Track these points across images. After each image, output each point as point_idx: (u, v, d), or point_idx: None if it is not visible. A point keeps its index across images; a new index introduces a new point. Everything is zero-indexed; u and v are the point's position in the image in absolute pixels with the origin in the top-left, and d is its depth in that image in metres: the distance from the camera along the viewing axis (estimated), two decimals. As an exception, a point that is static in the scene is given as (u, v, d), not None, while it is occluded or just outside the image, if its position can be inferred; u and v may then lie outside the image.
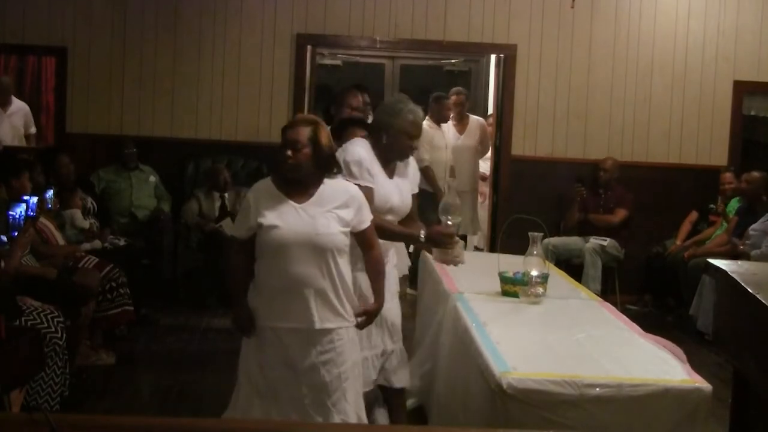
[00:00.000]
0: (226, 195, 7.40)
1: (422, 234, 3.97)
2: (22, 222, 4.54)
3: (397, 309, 4.12)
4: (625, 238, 7.69)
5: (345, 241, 3.45)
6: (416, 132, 3.99)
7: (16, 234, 4.53)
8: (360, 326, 3.57)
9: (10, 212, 4.51)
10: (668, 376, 3.22)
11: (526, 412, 3.05)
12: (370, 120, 4.90)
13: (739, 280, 3.52)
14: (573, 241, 7.64)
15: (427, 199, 6.50)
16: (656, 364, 3.37)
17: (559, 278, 4.99)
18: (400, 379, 4.10)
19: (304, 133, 3.41)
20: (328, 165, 3.47)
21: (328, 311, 3.41)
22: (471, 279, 4.47)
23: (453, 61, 10.23)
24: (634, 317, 4.52)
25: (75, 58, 7.79)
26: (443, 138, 7.95)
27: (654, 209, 7.94)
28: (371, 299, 3.66)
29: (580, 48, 7.99)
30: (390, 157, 4.00)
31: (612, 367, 3.29)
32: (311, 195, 3.44)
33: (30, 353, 4.04)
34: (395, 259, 4.20)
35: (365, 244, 3.58)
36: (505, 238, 5.36)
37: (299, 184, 3.45)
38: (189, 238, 7.36)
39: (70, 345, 4.73)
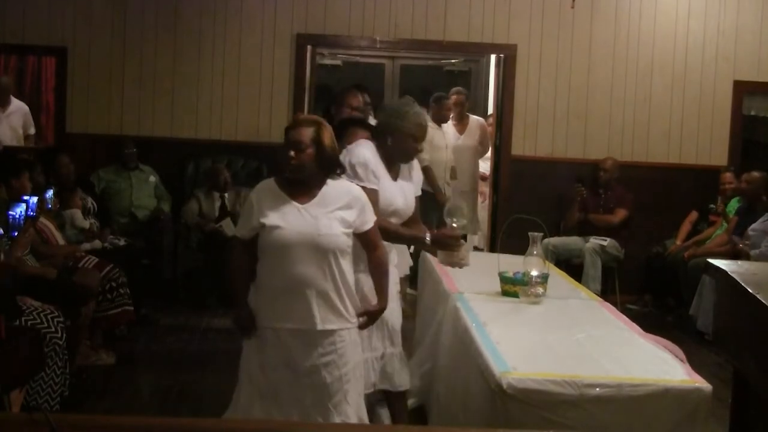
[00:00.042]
0: (226, 195, 7.40)
1: (428, 237, 3.97)
2: (22, 222, 4.54)
3: (398, 311, 4.12)
4: (625, 238, 7.69)
5: (347, 242, 3.44)
6: (422, 134, 4.00)
7: (16, 234, 4.53)
8: (361, 326, 3.56)
9: (10, 212, 4.51)
10: (668, 376, 3.22)
11: (526, 412, 3.05)
12: (370, 120, 4.90)
13: (739, 280, 3.52)
14: (573, 241, 7.64)
15: (427, 199, 6.50)
16: (656, 364, 3.37)
17: (559, 278, 4.99)
18: (401, 382, 4.10)
19: (307, 133, 3.40)
20: (331, 165, 3.46)
21: (330, 312, 3.40)
22: (471, 279, 4.46)
23: (453, 61, 10.23)
24: (634, 317, 4.52)
25: (75, 58, 7.79)
26: (443, 138, 7.95)
27: (654, 209, 7.94)
28: (373, 300, 3.65)
29: (580, 48, 7.99)
30: (395, 159, 4.01)
31: (612, 367, 3.29)
32: (314, 196, 3.43)
33: (30, 353, 4.05)
34: (396, 259, 4.20)
35: (369, 245, 3.57)
36: (505, 238, 5.36)
37: (302, 185, 3.44)
38: (189, 238, 7.36)
39: (70, 345, 4.73)
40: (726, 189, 7.63)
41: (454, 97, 8.21)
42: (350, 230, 3.45)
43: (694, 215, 7.83)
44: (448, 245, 3.99)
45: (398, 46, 8.31)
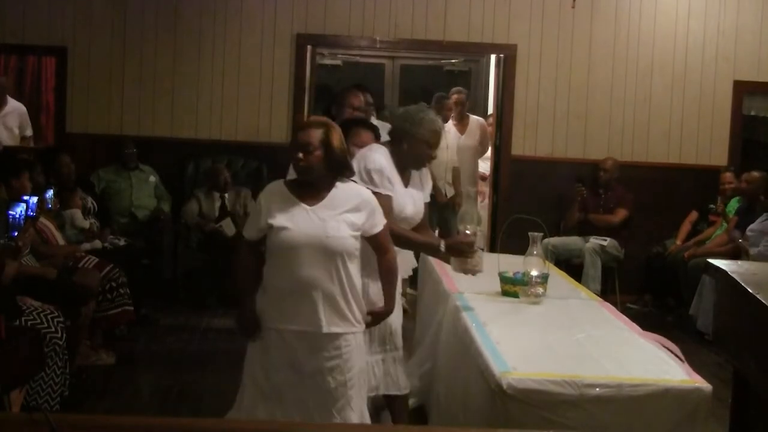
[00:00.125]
0: (226, 195, 7.40)
1: (442, 245, 3.97)
2: (22, 222, 4.54)
3: (399, 315, 4.11)
4: (625, 238, 7.69)
5: (355, 245, 3.42)
6: (436, 141, 4.01)
7: (16, 234, 4.53)
8: (366, 325, 3.55)
9: (10, 212, 4.51)
10: (668, 376, 3.22)
11: (526, 412, 3.05)
12: (372, 120, 4.90)
13: (739, 280, 3.52)
14: (573, 241, 7.64)
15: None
16: (656, 364, 3.37)
17: (559, 278, 5.00)
18: (402, 385, 4.10)
19: (316, 135, 3.38)
20: (340, 167, 3.44)
21: (336, 316, 3.38)
22: (471, 279, 4.45)
23: (453, 61, 10.22)
24: (634, 317, 4.52)
25: (75, 58, 7.79)
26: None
27: (654, 209, 7.94)
28: (380, 303, 3.65)
29: (580, 48, 7.99)
30: (408, 165, 4.02)
31: (612, 367, 3.29)
32: (323, 198, 3.41)
33: (30, 353, 4.05)
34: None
35: (379, 249, 3.56)
36: (505, 238, 5.37)
37: (311, 187, 3.42)
38: (189, 238, 7.36)
39: (70, 345, 4.73)
40: (726, 189, 7.63)
41: (454, 97, 8.21)
42: (358, 233, 3.43)
43: (694, 215, 7.83)
44: (462, 252, 3.98)
45: (398, 46, 8.32)
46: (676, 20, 8.03)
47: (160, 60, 7.82)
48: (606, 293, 7.09)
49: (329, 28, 7.87)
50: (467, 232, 4.04)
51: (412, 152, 3.96)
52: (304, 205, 3.40)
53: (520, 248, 4.38)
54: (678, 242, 7.68)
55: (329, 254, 3.35)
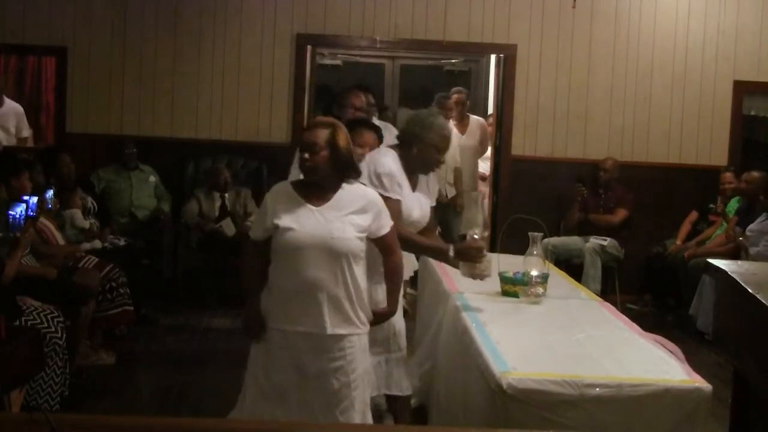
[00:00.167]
0: (226, 195, 7.40)
1: (452, 250, 3.97)
2: (22, 222, 4.54)
3: (401, 316, 4.12)
4: (625, 238, 7.70)
5: (361, 247, 3.41)
6: (445, 146, 4.02)
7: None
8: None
9: (10, 212, 4.51)
10: (668, 376, 3.22)
11: (526, 412, 3.05)
12: (374, 120, 4.89)
13: (739, 280, 3.52)
14: (573, 241, 7.64)
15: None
16: (656, 364, 3.37)
17: (559, 278, 4.99)
18: (405, 386, 4.10)
19: (322, 135, 3.38)
20: (346, 168, 3.43)
21: (341, 317, 3.37)
22: (471, 279, 4.46)
23: (453, 61, 10.22)
24: (634, 317, 4.52)
25: (75, 58, 7.79)
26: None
27: (654, 209, 7.94)
28: (383, 305, 3.65)
29: (580, 48, 8.00)
30: (416, 169, 4.03)
31: (612, 367, 3.29)
32: (329, 199, 3.41)
33: (30, 353, 4.04)
34: None
35: (386, 250, 3.55)
36: (505, 238, 5.36)
37: (317, 188, 3.42)
38: (189, 238, 7.36)
39: (70, 345, 4.74)
40: (726, 189, 7.63)
41: (455, 97, 8.20)
42: (364, 234, 3.42)
43: (694, 215, 7.84)
44: (471, 257, 3.98)
45: (398, 46, 8.32)
46: (676, 20, 8.03)
47: (160, 60, 7.82)
48: (606, 293, 7.09)
49: (329, 28, 7.87)
50: (475, 236, 4.04)
51: (421, 156, 3.98)
52: (309, 206, 3.39)
53: (520, 248, 4.38)
54: (678, 242, 7.68)
55: (334, 255, 3.34)
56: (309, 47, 7.93)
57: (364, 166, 3.80)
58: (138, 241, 6.93)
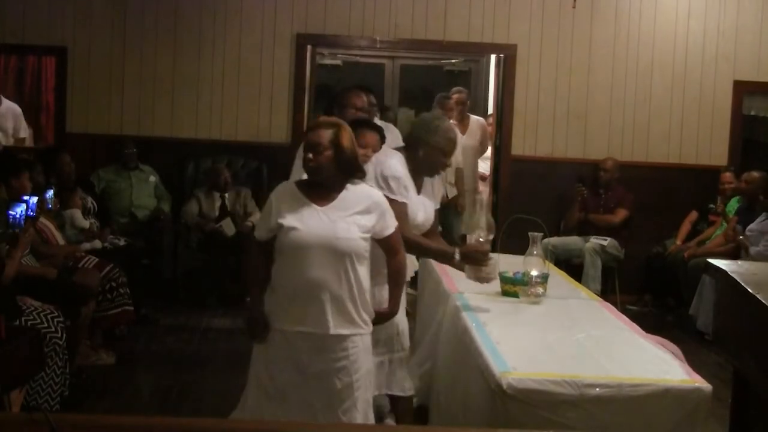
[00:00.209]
0: (226, 195, 7.40)
1: (457, 254, 3.97)
2: (22, 222, 4.54)
3: (405, 316, 4.12)
4: (625, 238, 7.70)
5: (365, 247, 3.41)
6: (451, 149, 4.03)
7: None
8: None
9: (10, 212, 4.51)
10: (668, 376, 3.22)
11: (526, 412, 3.05)
12: (376, 120, 4.88)
13: (739, 280, 3.52)
14: (573, 241, 7.64)
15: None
16: (656, 364, 3.37)
17: (559, 278, 4.99)
18: (407, 387, 4.10)
19: (326, 135, 3.37)
20: (350, 168, 3.42)
21: (344, 317, 3.36)
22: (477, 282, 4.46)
23: (453, 61, 10.22)
24: (634, 317, 4.52)
25: (75, 58, 7.79)
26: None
27: (654, 209, 7.94)
28: (385, 305, 3.65)
29: (580, 48, 7.99)
30: (422, 172, 4.04)
31: (612, 367, 3.29)
32: (333, 199, 3.41)
33: (30, 353, 4.04)
34: None
35: (390, 251, 3.55)
36: (505, 238, 5.36)
37: (322, 188, 3.42)
38: (189, 238, 7.36)
39: (70, 345, 4.74)
40: (726, 189, 7.63)
41: (455, 96, 8.20)
42: (368, 235, 3.42)
43: (694, 215, 7.84)
44: (477, 260, 3.98)
45: (398, 46, 8.32)
46: (676, 20, 8.03)
47: (160, 60, 7.82)
48: (606, 293, 7.09)
49: (329, 28, 7.87)
50: (481, 239, 4.04)
51: (427, 160, 3.99)
52: (314, 206, 3.39)
53: (520, 248, 4.38)
54: (678, 242, 7.68)
55: (338, 255, 3.34)
56: (309, 47, 7.93)
57: (370, 168, 3.80)
58: (138, 241, 6.93)
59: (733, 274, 3.61)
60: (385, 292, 3.68)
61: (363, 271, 3.41)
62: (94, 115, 7.82)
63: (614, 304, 5.18)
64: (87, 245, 6.12)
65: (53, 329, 4.51)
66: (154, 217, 7.41)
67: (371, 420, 3.53)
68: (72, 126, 7.84)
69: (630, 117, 8.05)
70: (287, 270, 3.38)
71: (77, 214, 6.30)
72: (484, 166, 8.62)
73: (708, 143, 8.09)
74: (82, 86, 7.80)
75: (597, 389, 3.10)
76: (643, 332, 3.85)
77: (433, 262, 4.77)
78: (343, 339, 3.37)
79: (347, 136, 3.41)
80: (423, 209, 4.03)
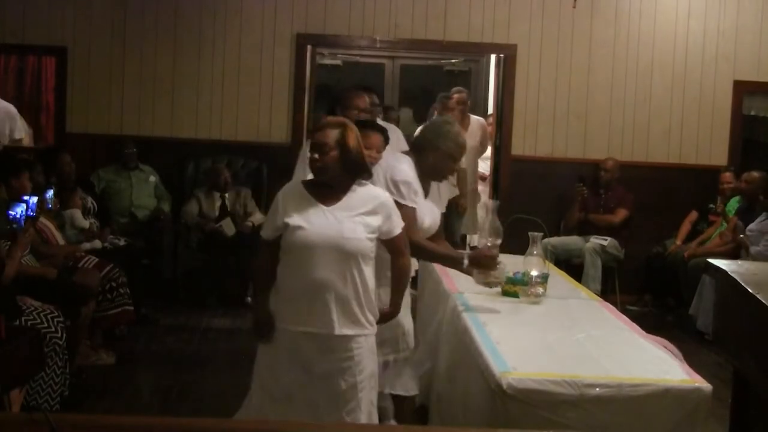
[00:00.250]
0: (226, 195, 7.40)
1: (466, 259, 3.97)
2: (22, 222, 4.54)
3: (410, 316, 4.12)
4: (625, 238, 7.69)
5: (371, 247, 3.41)
6: (459, 154, 4.04)
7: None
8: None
9: (10, 212, 4.51)
10: (668, 376, 3.22)
11: (526, 412, 3.05)
12: (379, 121, 4.88)
13: (739, 280, 3.52)
14: (573, 240, 7.64)
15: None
16: (656, 364, 3.37)
17: (559, 278, 4.99)
18: (410, 387, 4.10)
19: (332, 135, 3.37)
20: (356, 168, 3.42)
21: (349, 318, 3.36)
22: (471, 279, 4.46)
23: (453, 61, 10.23)
24: (634, 317, 4.52)
25: (75, 58, 7.79)
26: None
27: (654, 209, 7.94)
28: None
29: (580, 48, 7.99)
30: (430, 176, 4.05)
31: (612, 367, 3.29)
32: (340, 199, 3.40)
33: (30, 353, 4.04)
34: None
35: (395, 252, 3.55)
36: (505, 238, 5.36)
37: (328, 188, 3.41)
38: (189, 238, 7.36)
39: (70, 345, 4.74)
40: (726, 189, 7.63)
41: (455, 96, 8.18)
42: (374, 235, 3.41)
43: (694, 215, 7.84)
44: (485, 265, 3.99)
45: (398, 46, 8.32)
46: (676, 20, 8.03)
47: (160, 60, 7.82)
48: (606, 293, 7.09)
49: (329, 28, 7.87)
50: (488, 245, 4.04)
51: (436, 164, 4.00)
52: (321, 206, 3.38)
53: (520, 248, 4.38)
54: (678, 242, 7.68)
55: (344, 255, 3.33)
56: (309, 47, 7.93)
57: (380, 172, 3.80)
58: (138, 241, 6.93)
59: (733, 274, 3.61)
60: (387, 294, 3.68)
61: (368, 272, 3.40)
62: (94, 115, 7.82)
63: (614, 304, 5.17)
64: (87, 245, 6.12)
65: (53, 329, 4.51)
66: (154, 217, 7.40)
67: (375, 420, 3.52)
68: (72, 126, 7.84)
69: (630, 117, 8.06)
70: (292, 270, 3.38)
71: (77, 214, 6.30)
72: (484, 166, 8.62)
73: (708, 143, 8.09)
74: (82, 86, 7.80)
75: (597, 389, 3.10)
76: (643, 332, 3.85)
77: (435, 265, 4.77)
78: (348, 339, 3.37)
79: (353, 136, 3.40)
80: (430, 213, 4.04)
